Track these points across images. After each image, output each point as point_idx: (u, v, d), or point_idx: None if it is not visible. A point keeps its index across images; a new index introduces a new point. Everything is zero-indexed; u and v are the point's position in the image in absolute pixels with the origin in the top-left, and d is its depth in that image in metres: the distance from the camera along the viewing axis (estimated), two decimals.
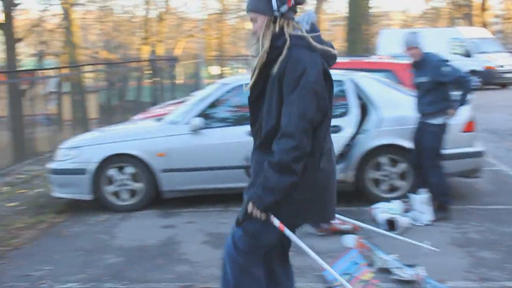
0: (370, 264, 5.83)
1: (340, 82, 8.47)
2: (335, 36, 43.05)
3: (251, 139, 3.49)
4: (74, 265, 6.41)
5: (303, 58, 3.24)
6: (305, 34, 3.32)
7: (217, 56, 38.18)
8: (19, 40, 18.00)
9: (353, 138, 8.43)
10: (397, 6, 53.73)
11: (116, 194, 8.71)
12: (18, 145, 14.20)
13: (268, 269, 3.67)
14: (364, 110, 8.60)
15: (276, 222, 3.35)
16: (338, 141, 8.10)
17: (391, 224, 7.25)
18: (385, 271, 5.84)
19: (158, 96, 20.68)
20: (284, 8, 3.32)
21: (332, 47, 3.43)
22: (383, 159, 8.45)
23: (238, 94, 8.59)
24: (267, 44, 3.34)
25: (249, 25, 3.51)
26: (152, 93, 20.68)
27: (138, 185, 8.64)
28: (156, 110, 13.86)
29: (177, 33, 42.20)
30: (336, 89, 8.56)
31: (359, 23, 21.57)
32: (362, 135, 8.47)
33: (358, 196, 8.67)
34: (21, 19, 23.99)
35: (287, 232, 3.41)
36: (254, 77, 3.40)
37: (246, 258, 3.49)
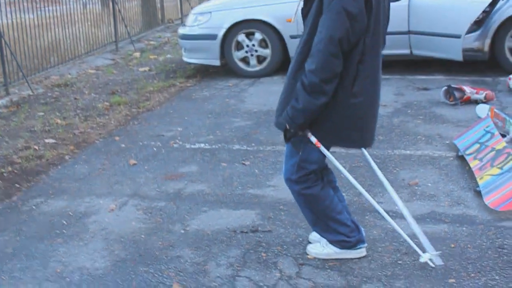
0: (504, 135, 5.60)
1: None
2: None
3: None
4: (203, 127, 6.56)
5: None
6: None
7: None
8: None
9: (492, 3, 7.90)
10: None
11: (244, 59, 8.75)
12: (149, 12, 14.45)
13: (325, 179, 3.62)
14: None
15: (313, 139, 3.29)
16: (475, 6, 7.67)
17: None
18: None
19: None
20: None
21: None
22: None
23: None
24: None
25: None
26: None
27: (266, 51, 8.62)
28: None
29: None
30: None
31: None
32: (502, 1, 7.93)
33: (492, 66, 8.28)
34: None
35: (323, 149, 3.33)
36: None
37: (301, 185, 3.48)
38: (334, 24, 3.06)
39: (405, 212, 3.50)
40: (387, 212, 3.66)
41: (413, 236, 3.51)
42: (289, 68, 3.38)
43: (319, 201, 3.51)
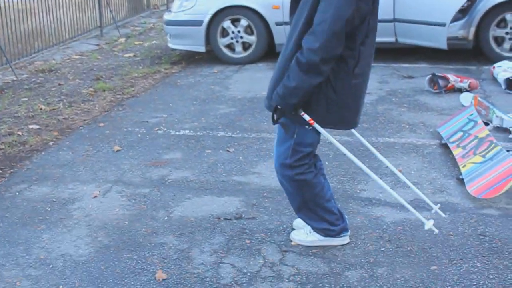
0: (487, 123, 5.64)
1: None
2: None
3: None
4: (188, 114, 6.55)
5: None
6: None
7: None
8: None
9: None
10: None
11: (229, 46, 8.73)
12: None
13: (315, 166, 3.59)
14: None
15: (306, 117, 3.22)
16: None
17: (511, 84, 6.93)
18: (502, 130, 5.64)
19: None
20: None
21: None
22: (509, 16, 7.96)
23: None
24: None
25: None
26: None
27: (252, 38, 8.61)
28: None
29: None
30: None
31: None
32: None
33: (476, 54, 8.32)
34: None
35: (318, 127, 3.27)
36: None
37: (295, 170, 3.43)
38: (341, 4, 3.00)
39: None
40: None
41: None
42: (282, 51, 3.30)
43: (311, 188, 3.49)
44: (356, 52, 3.16)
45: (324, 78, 3.13)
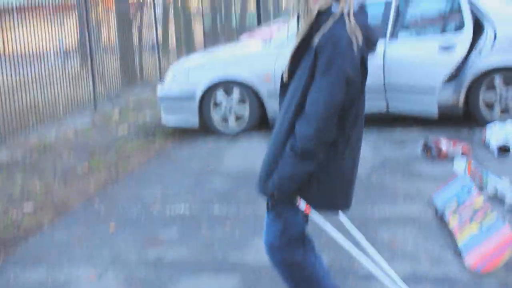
0: (481, 189, 5.66)
1: None
2: None
3: None
4: (183, 188, 6.56)
5: (343, 40, 3.04)
6: (352, 15, 3.12)
7: None
8: None
9: (465, 57, 8.04)
10: None
11: (222, 118, 8.80)
12: (127, 71, 14.54)
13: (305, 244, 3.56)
14: (478, 27, 8.12)
15: (302, 206, 3.22)
16: (449, 60, 7.80)
17: (503, 150, 6.98)
18: (497, 196, 5.65)
19: (263, 23, 20.58)
20: None
21: (375, 33, 3.25)
22: (497, 80, 8.08)
23: None
24: (315, 10, 3.16)
25: None
26: (257, 18, 20.57)
27: (244, 109, 8.69)
28: (262, 30, 13.79)
29: None
30: (448, 4, 8.31)
31: None
32: (475, 54, 8.08)
33: (468, 119, 8.40)
34: None
35: (314, 215, 3.26)
36: (296, 45, 3.23)
37: (284, 253, 3.41)
38: (332, 89, 3.01)
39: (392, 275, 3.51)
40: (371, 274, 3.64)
41: None
42: (275, 132, 3.25)
43: (301, 270, 3.44)
44: (346, 134, 3.18)
45: (317, 165, 3.13)
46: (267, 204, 3.27)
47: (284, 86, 3.30)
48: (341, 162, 3.20)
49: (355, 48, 3.08)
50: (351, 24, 3.09)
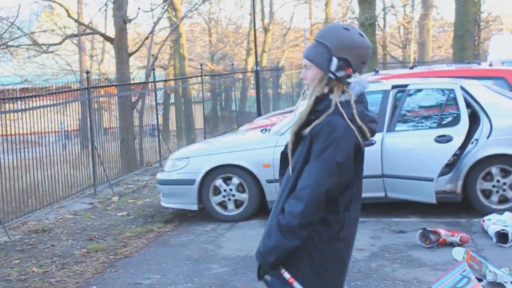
0: (480, 279, 5.65)
1: (449, 90, 8.27)
2: (440, 42, 41.88)
3: None
4: (181, 274, 6.53)
5: (339, 128, 3.16)
6: (351, 104, 3.24)
7: None
8: (131, 54, 18.57)
9: (462, 147, 8.17)
10: (509, 10, 50.74)
11: (222, 204, 8.84)
12: (128, 155, 14.65)
13: None
14: (475, 119, 8.31)
15: (287, 275, 3.28)
16: (446, 150, 7.91)
17: (502, 237, 7.00)
18: (496, 285, 5.64)
19: (263, 107, 20.89)
20: (340, 74, 3.27)
21: (374, 121, 3.36)
22: (494, 169, 8.17)
23: None
24: (312, 100, 3.29)
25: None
26: (256, 103, 20.89)
27: (243, 196, 8.74)
28: (261, 121, 14.03)
29: (281, 43, 42.41)
30: (445, 97, 8.50)
31: (468, 29, 20.91)
32: (471, 144, 8.21)
33: (466, 207, 8.43)
34: (131, 33, 24.62)
35: (297, 285, 3.31)
36: (292, 139, 3.37)
37: None
38: (322, 174, 3.12)
39: None
40: None
41: None
42: (273, 210, 3.35)
43: None
44: (341, 217, 3.24)
45: (301, 242, 3.18)
46: (258, 271, 3.31)
47: (283, 163, 3.40)
48: (334, 242, 3.27)
49: (351, 136, 3.18)
50: (351, 111, 3.20)
